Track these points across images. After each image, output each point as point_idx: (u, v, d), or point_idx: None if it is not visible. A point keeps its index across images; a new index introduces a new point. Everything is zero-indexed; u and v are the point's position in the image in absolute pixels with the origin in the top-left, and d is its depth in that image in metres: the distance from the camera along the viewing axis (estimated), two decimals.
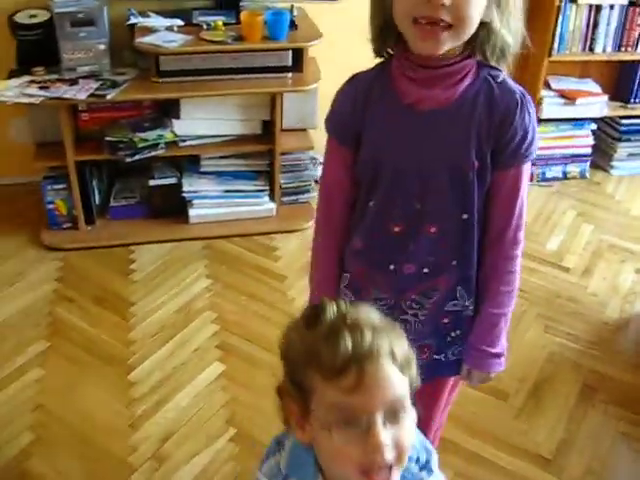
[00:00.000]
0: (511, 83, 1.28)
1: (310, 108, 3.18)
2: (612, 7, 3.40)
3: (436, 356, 1.50)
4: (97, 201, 3.13)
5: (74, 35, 2.77)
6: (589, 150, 3.73)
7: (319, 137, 3.29)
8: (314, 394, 1.00)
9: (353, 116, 1.33)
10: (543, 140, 3.60)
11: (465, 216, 1.33)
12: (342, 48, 3.33)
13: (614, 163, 3.80)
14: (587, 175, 3.76)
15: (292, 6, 3.03)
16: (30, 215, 3.14)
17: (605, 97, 3.62)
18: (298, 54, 2.94)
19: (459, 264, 1.38)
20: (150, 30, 2.87)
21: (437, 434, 1.73)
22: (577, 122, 3.63)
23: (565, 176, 3.73)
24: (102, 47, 2.84)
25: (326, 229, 1.46)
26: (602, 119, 3.74)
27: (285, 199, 3.27)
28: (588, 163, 3.76)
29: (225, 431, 2.20)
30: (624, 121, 3.72)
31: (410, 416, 1.02)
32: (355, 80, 1.36)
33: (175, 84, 2.88)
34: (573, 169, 3.73)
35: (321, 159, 3.39)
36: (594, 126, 3.68)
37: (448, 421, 1.82)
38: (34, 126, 3.01)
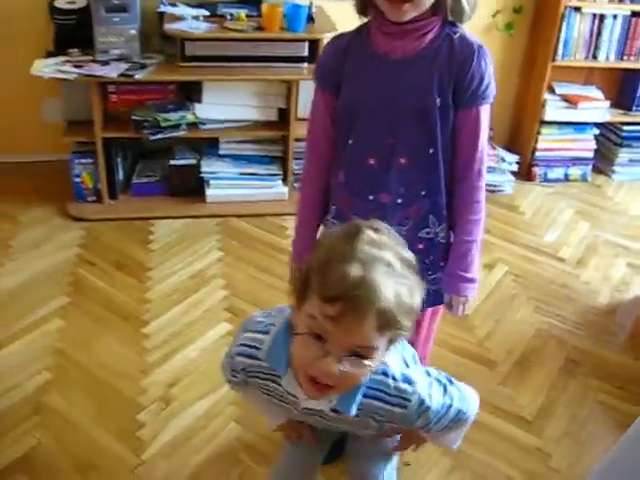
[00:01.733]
0: (469, 37, 1.52)
1: None
2: (615, 17, 3.58)
3: None
4: (121, 177, 3.34)
5: (108, 20, 3.00)
6: (591, 154, 3.89)
7: None
8: (308, 299, 1.16)
9: (335, 67, 1.58)
10: (545, 142, 3.78)
11: (431, 150, 1.55)
12: None
13: (615, 168, 3.96)
14: (589, 178, 3.92)
15: (311, 2, 3.24)
16: (58, 189, 3.35)
17: (607, 103, 3.78)
18: (314, 45, 3.14)
19: (428, 194, 1.60)
20: (178, 18, 3.09)
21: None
22: (579, 126, 3.80)
23: (567, 178, 3.89)
24: (133, 32, 3.06)
25: (313, 161, 1.70)
26: (604, 125, 3.90)
27: (297, 184, 3.45)
28: (590, 167, 3.92)
29: None
30: (626, 127, 3.87)
31: (372, 364, 1.17)
32: (338, 37, 1.61)
33: (198, 68, 3.09)
34: (575, 172, 3.89)
35: None
36: (596, 131, 3.85)
37: None
38: (65, 106, 3.24)
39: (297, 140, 3.32)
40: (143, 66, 3.05)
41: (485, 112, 1.54)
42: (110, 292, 2.77)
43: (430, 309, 1.81)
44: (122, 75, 2.97)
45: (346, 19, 3.26)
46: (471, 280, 1.66)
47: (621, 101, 3.89)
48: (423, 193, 1.60)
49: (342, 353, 1.13)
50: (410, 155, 1.56)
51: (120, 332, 2.56)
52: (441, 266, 1.69)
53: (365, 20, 1.56)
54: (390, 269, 1.12)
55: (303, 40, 3.11)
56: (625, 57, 3.69)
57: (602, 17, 3.57)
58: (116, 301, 2.72)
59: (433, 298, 1.69)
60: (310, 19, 3.17)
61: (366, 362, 1.15)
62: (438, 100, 1.50)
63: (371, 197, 1.62)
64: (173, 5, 3.16)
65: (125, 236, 3.12)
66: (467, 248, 1.63)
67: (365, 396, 1.29)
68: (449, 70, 1.49)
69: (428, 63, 1.49)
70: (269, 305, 2.72)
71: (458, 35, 1.50)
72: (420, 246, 1.65)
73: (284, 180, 3.40)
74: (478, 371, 2.51)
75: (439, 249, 1.68)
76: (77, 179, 3.22)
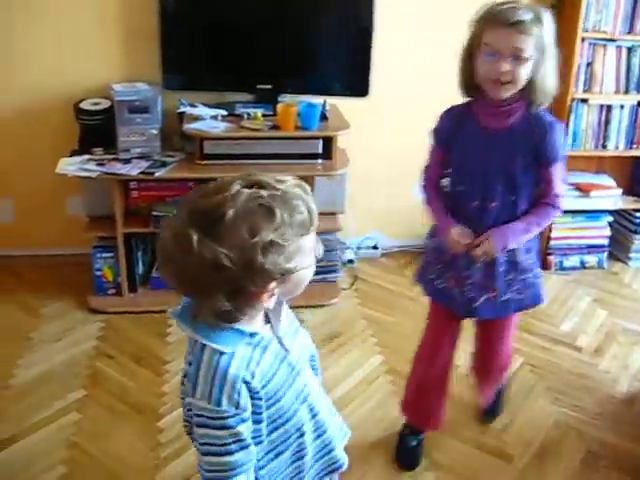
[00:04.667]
0: (547, 116, 2.04)
1: (339, 193, 3.47)
2: (622, 107, 3.67)
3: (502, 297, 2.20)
4: (141, 271, 3.42)
5: (131, 120, 3.13)
6: (606, 241, 3.92)
7: (347, 221, 3.60)
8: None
9: (449, 130, 2.14)
10: (560, 230, 3.82)
11: (513, 198, 2.08)
12: (370, 139, 3.67)
13: (632, 255, 3.97)
14: (605, 265, 3.93)
15: (325, 101, 3.37)
16: (79, 282, 3.43)
17: (619, 191, 3.83)
18: (328, 143, 3.25)
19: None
20: (196, 118, 3.23)
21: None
22: (592, 214, 3.84)
23: (583, 265, 3.90)
24: (154, 132, 3.19)
25: (430, 191, 2.24)
26: (618, 212, 3.94)
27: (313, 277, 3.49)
28: (605, 254, 3.94)
29: None
30: (639, 214, 3.91)
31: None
32: (452, 108, 2.15)
33: (217, 166, 3.19)
34: (591, 259, 3.91)
35: (348, 243, 3.68)
36: (610, 218, 3.89)
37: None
38: (88, 201, 3.35)
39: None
40: (163, 164, 3.17)
41: (560, 166, 2.08)
42: (127, 385, 2.79)
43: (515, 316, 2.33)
44: (142, 173, 3.09)
45: (358, 116, 3.43)
46: (505, 243, 2.08)
47: (633, 188, 3.93)
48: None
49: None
50: (497, 201, 2.08)
51: (135, 425, 2.58)
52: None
53: (468, 99, 2.10)
54: None
55: (317, 138, 3.22)
56: (634, 145, 3.76)
57: (609, 108, 3.66)
58: (133, 393, 2.74)
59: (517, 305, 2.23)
60: (324, 117, 3.29)
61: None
62: (520, 163, 2.03)
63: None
64: (192, 106, 3.30)
65: (143, 329, 3.17)
66: (522, 227, 2.08)
67: None
68: (530, 142, 2.01)
69: (514, 136, 2.02)
70: None
71: (539, 113, 2.02)
72: (501, 268, 2.17)
73: None
74: (494, 465, 2.47)
75: (519, 268, 2.19)
76: (98, 272, 3.30)
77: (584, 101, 3.62)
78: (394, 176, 3.82)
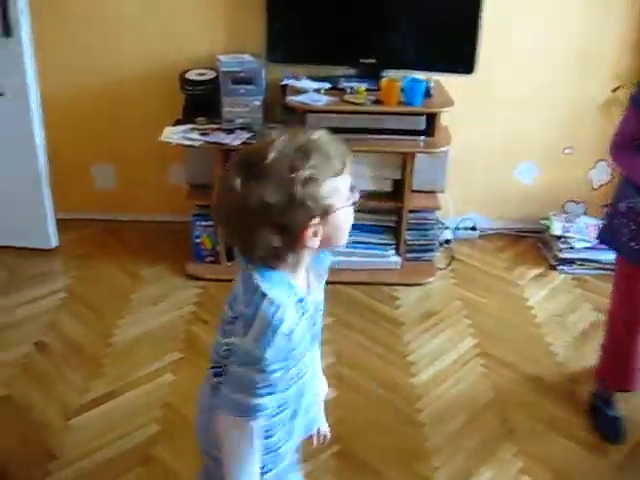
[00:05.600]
0: None
1: (440, 172, 3.41)
2: None
3: None
4: None
5: (235, 91, 3.17)
6: None
7: (446, 201, 3.54)
8: None
9: None
10: None
11: None
12: (473, 118, 3.58)
13: None
14: None
15: (430, 77, 3.30)
16: (178, 248, 3.50)
17: None
18: (431, 120, 3.19)
19: None
20: (300, 91, 3.23)
21: None
22: None
23: None
24: (257, 103, 3.22)
25: (629, 150, 2.22)
26: None
27: (409, 255, 3.46)
28: None
29: None
30: None
31: None
32: None
33: None
34: None
35: (447, 223, 3.62)
36: None
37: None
38: (189, 170, 3.41)
39: (411, 211, 3.35)
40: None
41: None
42: None
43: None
44: (244, 143, 3.12)
45: (463, 93, 3.36)
46: None
47: None
48: None
49: None
50: None
51: None
52: None
53: None
54: None
55: (420, 114, 3.16)
56: None
57: None
58: None
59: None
60: (428, 93, 3.23)
61: None
62: None
63: None
64: (296, 78, 3.30)
65: None
66: None
67: None
68: None
69: None
70: (373, 374, 2.73)
71: None
72: None
73: (396, 250, 3.41)
74: (587, 458, 2.39)
75: None
76: (197, 240, 3.36)
77: None
78: (496, 157, 3.72)
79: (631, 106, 2.21)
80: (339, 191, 1.26)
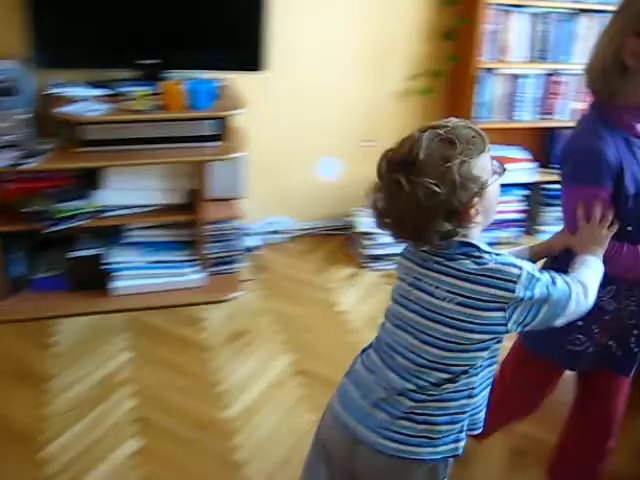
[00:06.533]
0: None
1: (238, 177, 3.19)
2: (529, 77, 3.53)
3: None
4: (18, 273, 3.04)
5: None
6: (521, 216, 3.82)
7: (250, 206, 3.33)
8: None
9: (615, 162, 1.63)
10: None
11: None
12: (271, 117, 3.39)
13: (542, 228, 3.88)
14: (522, 241, 3.80)
15: (220, 78, 3.06)
16: None
17: (533, 164, 3.71)
18: (222, 123, 2.95)
19: None
20: (71, 100, 2.86)
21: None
22: (505, 188, 3.69)
23: (498, 242, 3.76)
24: (23, 117, 2.81)
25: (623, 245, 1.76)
26: (529, 185, 3.82)
27: (213, 269, 3.22)
28: (521, 229, 3.84)
29: None
30: (550, 186, 3.80)
31: None
32: (599, 137, 1.64)
33: (98, 154, 2.85)
34: (505, 235, 3.78)
35: (254, 229, 3.42)
36: (525, 192, 3.78)
37: None
38: None
39: (210, 223, 3.11)
40: (38, 153, 2.80)
41: None
42: (4, 411, 2.46)
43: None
44: (12, 165, 2.72)
45: (259, 92, 3.15)
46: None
47: (542, 159, 3.81)
48: None
49: None
50: None
51: (11, 459, 2.25)
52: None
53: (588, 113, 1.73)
54: None
55: (207, 118, 2.91)
56: (542, 116, 3.64)
57: (516, 77, 3.51)
58: (8, 420, 2.41)
59: None
60: (216, 95, 2.98)
61: None
62: None
63: None
64: (67, 86, 2.93)
65: (23, 340, 2.82)
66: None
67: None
68: None
69: None
70: (182, 413, 2.47)
71: None
72: None
73: (197, 266, 3.15)
74: None
75: None
76: None
77: (490, 70, 3.46)
78: (298, 156, 3.58)
79: (596, 183, 1.65)
80: (486, 167, 1.39)
